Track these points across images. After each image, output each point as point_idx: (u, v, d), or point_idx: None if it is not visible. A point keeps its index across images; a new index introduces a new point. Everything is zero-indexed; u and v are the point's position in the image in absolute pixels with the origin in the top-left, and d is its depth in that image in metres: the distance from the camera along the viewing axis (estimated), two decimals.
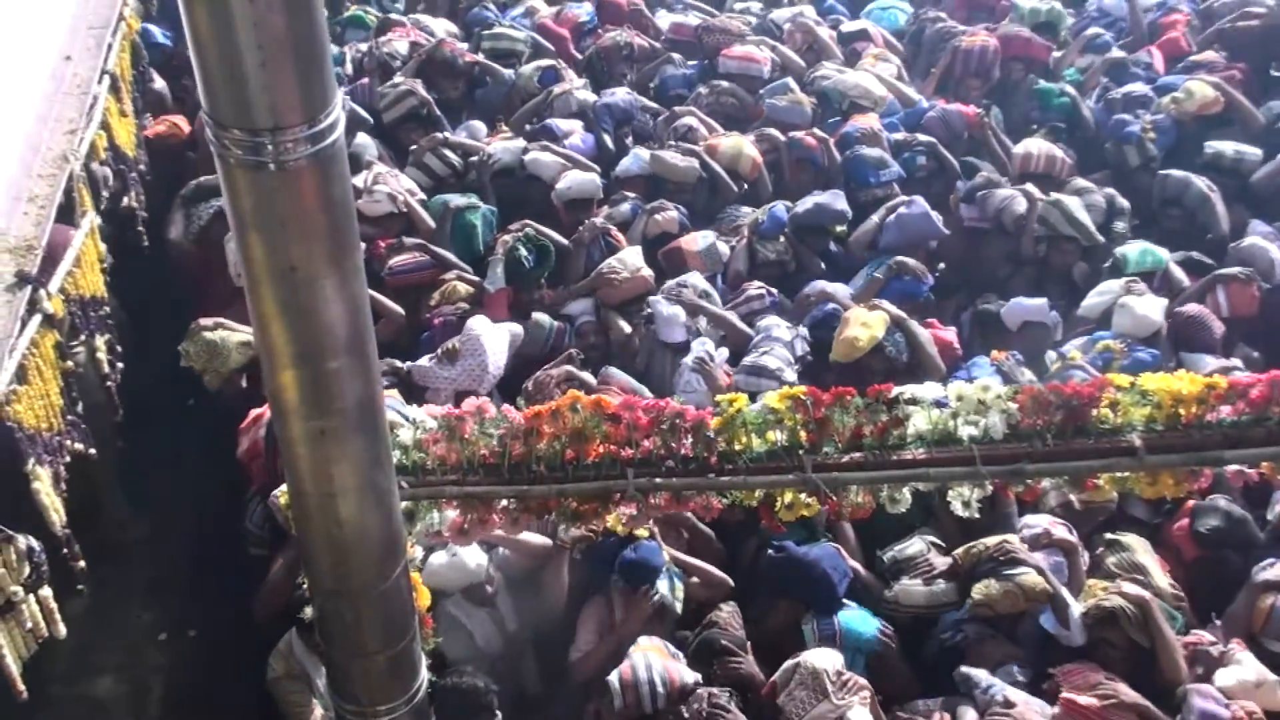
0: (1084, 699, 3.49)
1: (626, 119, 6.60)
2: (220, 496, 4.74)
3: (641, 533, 3.87)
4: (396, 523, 2.55)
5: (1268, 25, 7.06)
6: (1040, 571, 3.92)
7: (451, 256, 5.47)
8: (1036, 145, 6.27)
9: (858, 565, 4.21)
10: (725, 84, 6.88)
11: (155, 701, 4.80)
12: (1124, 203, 5.96)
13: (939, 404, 2.89)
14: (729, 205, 6.11)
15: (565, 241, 5.60)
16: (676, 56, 7.24)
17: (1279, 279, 5.40)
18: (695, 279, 5.31)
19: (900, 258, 5.44)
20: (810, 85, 6.86)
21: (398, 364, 4.78)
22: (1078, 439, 2.85)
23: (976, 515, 2.97)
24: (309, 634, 3.68)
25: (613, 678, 3.57)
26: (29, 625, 2.86)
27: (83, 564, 3.34)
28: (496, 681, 3.72)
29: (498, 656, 4.05)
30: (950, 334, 5.19)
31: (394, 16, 7.48)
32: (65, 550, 3.24)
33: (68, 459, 3.37)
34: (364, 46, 7.07)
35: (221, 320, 4.83)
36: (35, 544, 2.86)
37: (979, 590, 3.92)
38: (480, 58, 6.94)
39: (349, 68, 6.90)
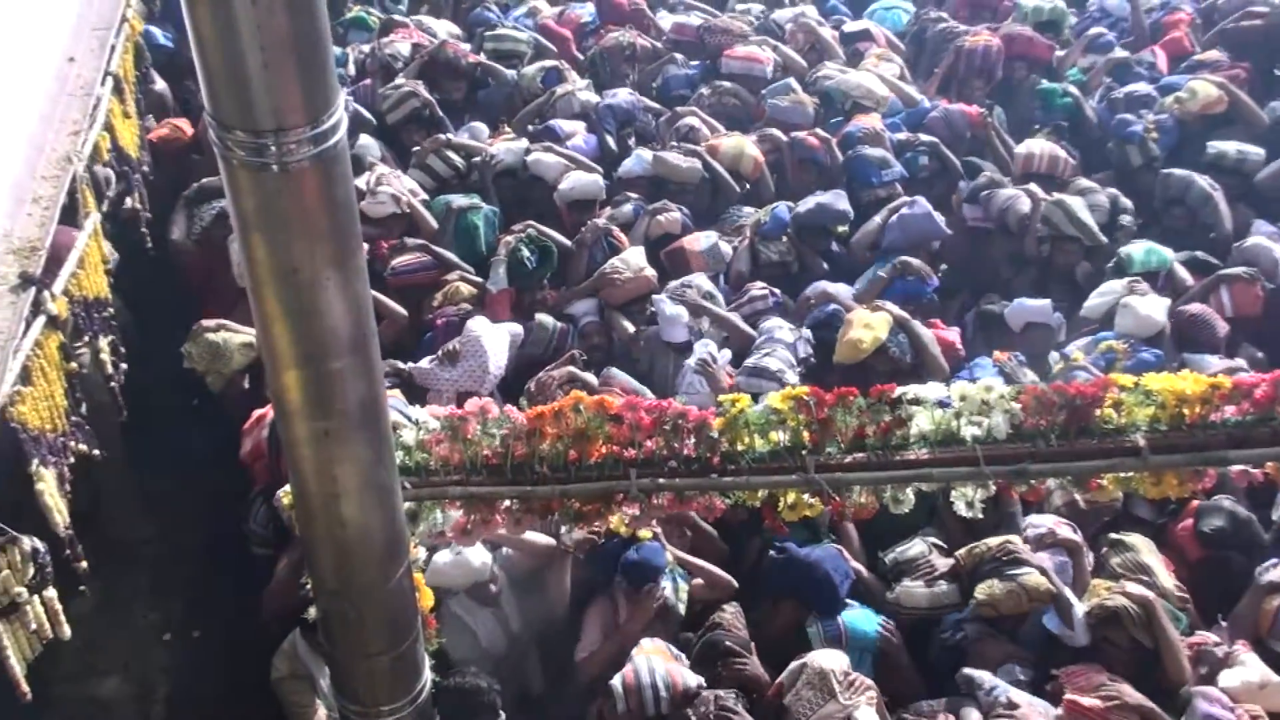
0: (1088, 700, 3.47)
1: (629, 120, 6.60)
2: (224, 497, 4.74)
3: (644, 533, 3.87)
4: (399, 523, 2.56)
5: (1271, 24, 7.04)
6: (1043, 572, 3.91)
7: (454, 257, 5.47)
8: (1039, 145, 6.27)
9: (860, 566, 4.21)
10: (727, 84, 6.88)
11: (160, 702, 4.80)
12: (1127, 202, 5.94)
13: (942, 404, 2.89)
14: (731, 206, 6.10)
15: (568, 242, 5.60)
16: (679, 57, 7.23)
17: None
18: (700, 280, 5.30)
19: (905, 258, 5.43)
20: (812, 85, 6.86)
21: (400, 365, 4.79)
22: (1081, 439, 2.86)
23: (980, 515, 2.97)
24: (313, 634, 3.67)
25: (615, 681, 3.56)
26: (33, 626, 2.86)
27: (86, 565, 3.34)
28: (500, 681, 3.72)
29: (502, 656, 4.05)
30: (953, 334, 5.17)
31: (396, 18, 7.48)
32: (69, 551, 3.24)
33: (72, 460, 3.37)
34: (366, 48, 7.07)
35: (224, 321, 4.83)
36: (40, 545, 2.86)
37: (982, 590, 3.92)
38: (483, 59, 6.94)
39: (351, 69, 6.89)
